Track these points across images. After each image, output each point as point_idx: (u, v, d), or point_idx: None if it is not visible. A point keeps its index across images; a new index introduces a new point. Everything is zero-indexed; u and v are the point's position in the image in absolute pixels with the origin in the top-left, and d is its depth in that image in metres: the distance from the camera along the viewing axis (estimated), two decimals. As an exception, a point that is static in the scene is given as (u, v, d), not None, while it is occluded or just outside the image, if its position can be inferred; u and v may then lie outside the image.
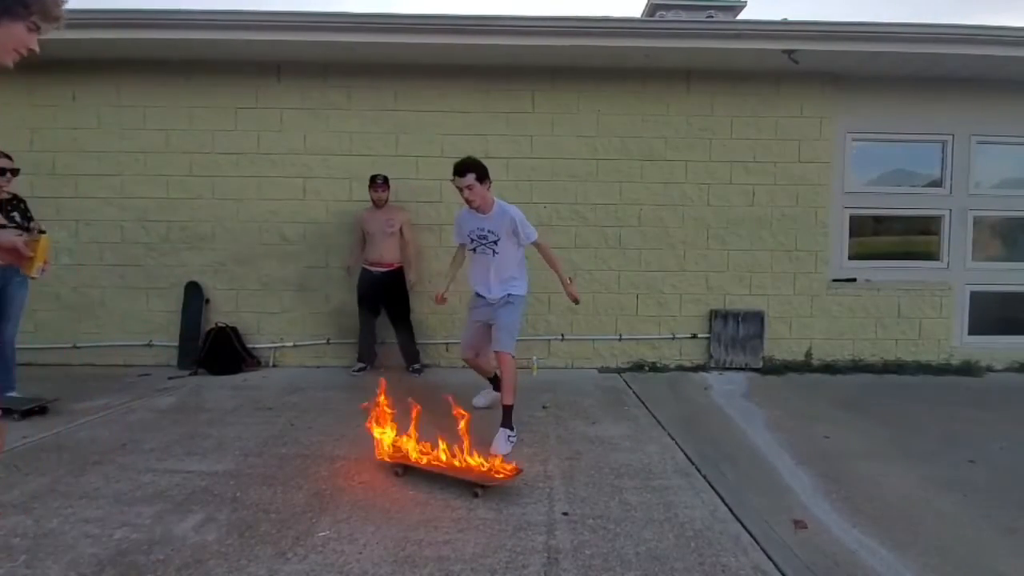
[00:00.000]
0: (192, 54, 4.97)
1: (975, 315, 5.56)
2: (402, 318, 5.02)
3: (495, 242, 3.50)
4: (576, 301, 3.66)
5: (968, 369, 5.31)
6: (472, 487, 2.62)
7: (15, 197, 3.84)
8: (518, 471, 2.69)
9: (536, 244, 3.63)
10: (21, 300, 3.86)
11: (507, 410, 3.36)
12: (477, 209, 3.46)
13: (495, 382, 3.90)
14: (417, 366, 5.05)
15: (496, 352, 3.45)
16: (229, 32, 4.63)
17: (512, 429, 3.31)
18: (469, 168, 3.36)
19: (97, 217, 5.21)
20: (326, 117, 5.21)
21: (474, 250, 3.60)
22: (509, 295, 3.55)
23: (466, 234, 3.59)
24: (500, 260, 3.53)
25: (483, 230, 3.51)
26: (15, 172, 3.76)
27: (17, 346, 3.93)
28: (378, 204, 4.91)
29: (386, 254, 4.91)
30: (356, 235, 5.05)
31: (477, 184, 3.36)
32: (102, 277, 5.24)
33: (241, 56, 5.00)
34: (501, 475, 2.63)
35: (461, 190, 3.39)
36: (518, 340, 5.25)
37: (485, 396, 4.02)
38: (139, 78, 5.14)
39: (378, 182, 4.88)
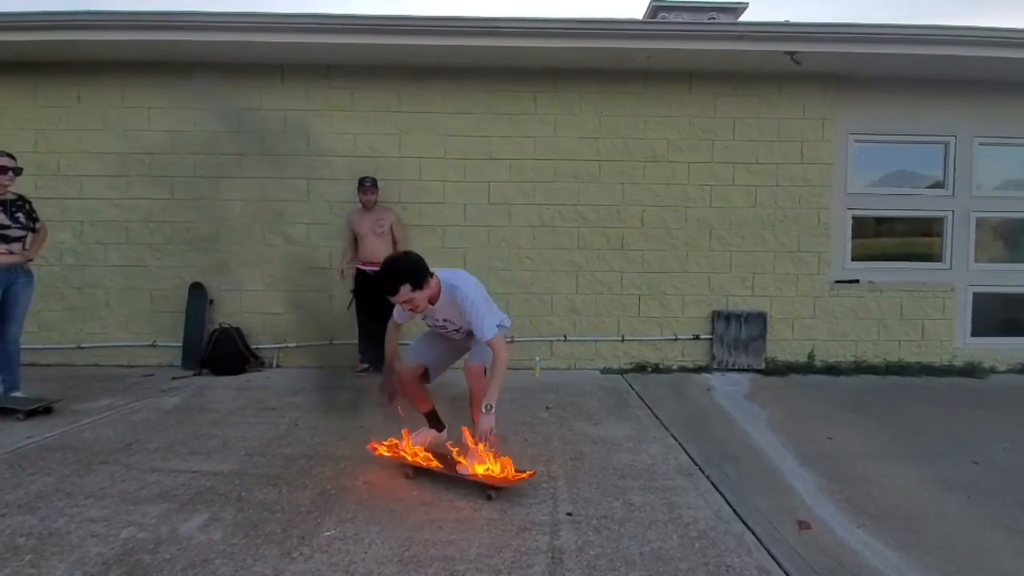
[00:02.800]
0: (196, 56, 4.99)
1: (978, 316, 5.56)
2: (385, 317, 5.02)
3: (457, 329, 2.90)
4: (477, 441, 2.61)
5: (971, 370, 5.31)
6: (485, 489, 2.61)
7: (20, 197, 3.86)
8: (532, 474, 2.69)
9: (490, 345, 2.71)
10: (26, 300, 3.88)
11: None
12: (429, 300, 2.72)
13: (433, 420, 3.15)
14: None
15: (469, 363, 2.87)
16: (233, 34, 4.66)
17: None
18: (398, 279, 2.56)
19: (101, 218, 5.23)
20: (330, 118, 5.23)
21: (435, 329, 2.98)
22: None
23: (422, 318, 2.91)
24: (467, 336, 2.91)
25: (436, 319, 2.88)
26: (18, 171, 3.78)
27: (21, 346, 3.94)
28: (367, 206, 4.92)
29: (378, 253, 4.91)
30: (347, 238, 5.06)
31: (416, 294, 2.60)
32: (106, 278, 5.26)
33: (245, 58, 5.02)
34: (514, 478, 2.62)
35: (400, 305, 2.71)
36: (519, 341, 5.32)
37: (422, 435, 3.04)
38: (143, 80, 5.16)
39: (367, 185, 4.89)
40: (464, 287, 2.71)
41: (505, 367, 2.73)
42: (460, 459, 2.70)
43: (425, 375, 3.06)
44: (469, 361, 2.91)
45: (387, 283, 2.58)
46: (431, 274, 2.66)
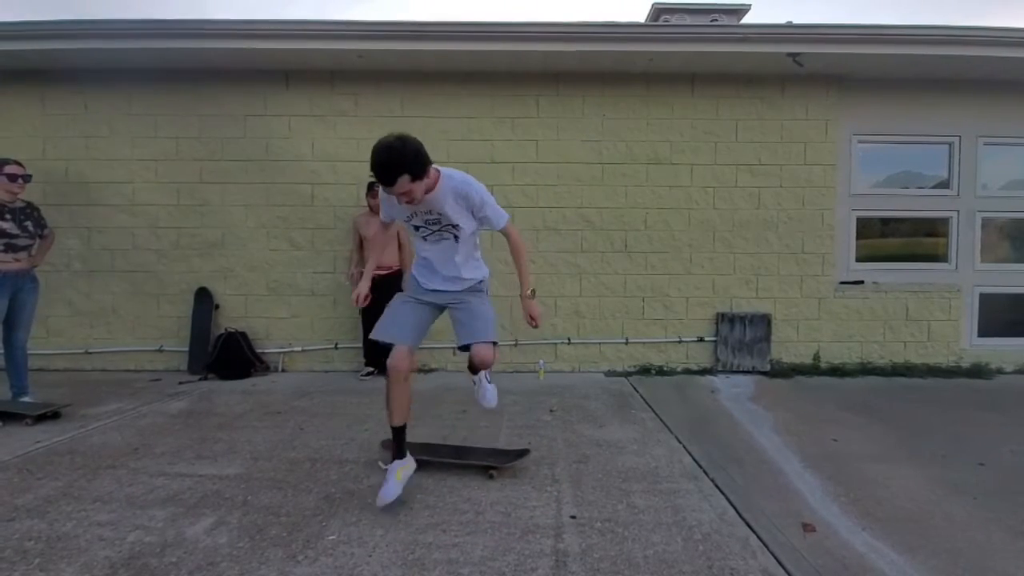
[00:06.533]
0: (202, 63, 5.04)
1: (984, 317, 5.53)
2: None
3: (455, 225, 2.55)
4: (533, 322, 2.73)
5: (978, 371, 5.28)
6: (486, 470, 2.75)
7: (29, 205, 3.91)
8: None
9: (505, 232, 2.69)
10: (32, 306, 3.92)
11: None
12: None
13: (402, 442, 2.61)
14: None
15: (478, 346, 2.57)
16: (239, 41, 4.70)
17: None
18: (397, 169, 2.24)
19: (109, 224, 5.28)
20: (334, 123, 5.27)
21: (424, 238, 2.63)
22: (479, 281, 2.76)
23: (405, 217, 2.58)
24: (461, 244, 2.62)
25: (429, 212, 2.52)
26: (27, 178, 3.83)
27: (29, 352, 3.98)
28: (375, 210, 4.95)
29: (385, 257, 4.95)
30: (354, 241, 5.08)
31: (415, 185, 2.31)
32: (113, 283, 5.31)
33: (250, 64, 5.07)
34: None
35: (396, 196, 2.38)
36: (523, 344, 5.33)
37: (388, 482, 2.53)
38: (150, 87, 5.21)
39: (376, 188, 4.89)
40: (474, 181, 2.54)
41: (526, 249, 2.80)
42: None
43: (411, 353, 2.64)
44: (479, 338, 2.58)
45: (385, 174, 2.27)
46: (430, 162, 2.39)
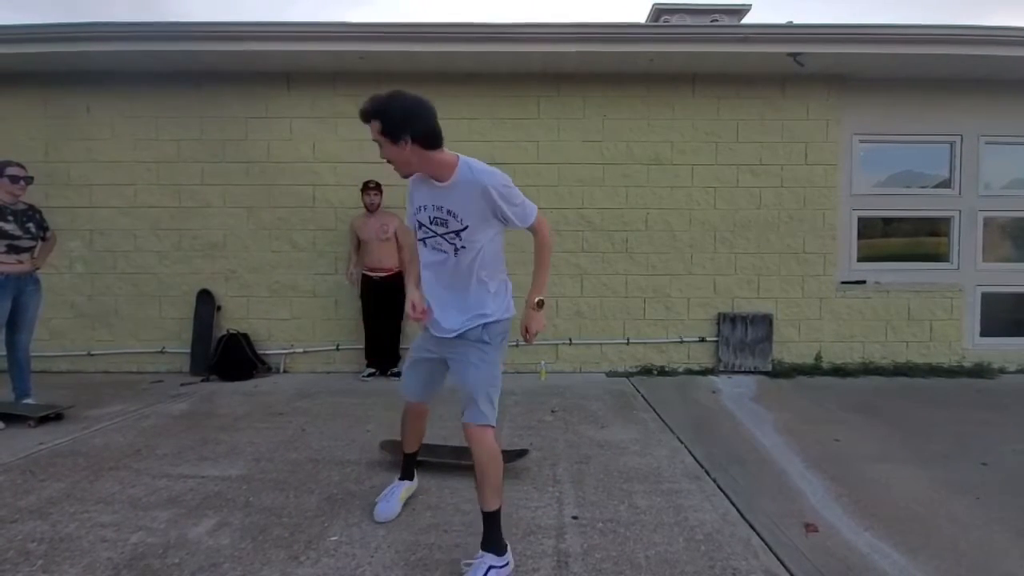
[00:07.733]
0: (204, 65, 5.06)
1: (987, 317, 5.52)
2: (392, 321, 5.06)
3: (458, 232, 2.06)
4: (527, 336, 2.22)
5: (980, 371, 5.27)
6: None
7: (31, 207, 3.92)
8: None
9: (534, 230, 2.22)
10: (35, 308, 3.93)
11: (491, 519, 2.04)
12: (433, 177, 2.05)
13: (410, 466, 2.61)
14: (395, 370, 5.08)
15: (466, 427, 2.08)
16: (240, 43, 4.71)
17: (503, 554, 2.02)
18: (374, 110, 1.97)
19: (111, 226, 5.29)
20: (335, 125, 5.27)
21: (423, 241, 2.16)
22: (483, 326, 2.12)
23: (413, 212, 2.18)
24: (463, 263, 2.10)
25: (439, 208, 2.06)
26: (29, 181, 3.84)
27: (32, 354, 3.99)
28: (371, 209, 4.96)
29: (384, 259, 4.97)
30: (352, 243, 5.09)
31: (385, 140, 1.98)
32: (116, 285, 5.32)
33: (251, 66, 5.08)
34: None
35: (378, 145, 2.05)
36: (525, 345, 5.29)
37: (390, 500, 2.48)
38: (151, 89, 5.22)
39: (371, 187, 4.92)
40: (498, 172, 2.07)
41: (551, 250, 2.30)
42: None
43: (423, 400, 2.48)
44: (466, 420, 2.09)
45: (364, 108, 1.99)
46: (426, 137, 1.98)
